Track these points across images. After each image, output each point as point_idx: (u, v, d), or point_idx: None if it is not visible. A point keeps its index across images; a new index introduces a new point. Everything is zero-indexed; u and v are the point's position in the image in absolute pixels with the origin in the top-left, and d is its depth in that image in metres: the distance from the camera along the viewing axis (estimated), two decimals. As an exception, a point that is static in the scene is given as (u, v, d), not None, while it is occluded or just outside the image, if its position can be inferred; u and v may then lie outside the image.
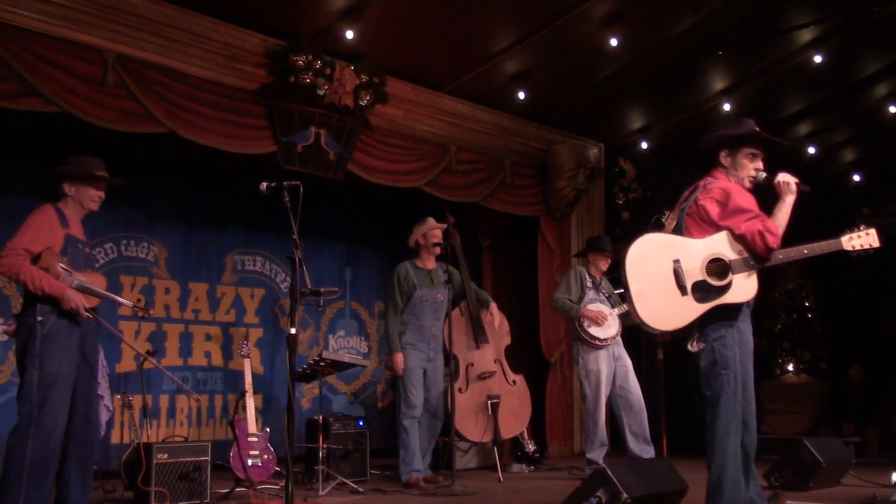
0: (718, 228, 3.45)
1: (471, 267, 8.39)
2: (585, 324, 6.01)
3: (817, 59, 6.59)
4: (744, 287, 3.41)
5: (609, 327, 6.04)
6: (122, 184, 4.21)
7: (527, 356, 8.21)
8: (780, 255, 3.43)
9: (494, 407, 6.10)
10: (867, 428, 8.32)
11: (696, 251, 3.42)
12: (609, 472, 3.74)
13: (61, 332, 3.86)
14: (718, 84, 7.25)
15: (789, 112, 7.71)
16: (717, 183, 3.53)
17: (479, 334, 6.20)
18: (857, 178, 8.99)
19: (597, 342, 6.00)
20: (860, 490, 4.97)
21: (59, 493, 3.90)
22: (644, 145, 8.24)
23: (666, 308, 3.39)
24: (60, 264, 3.86)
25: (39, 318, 3.80)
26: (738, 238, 3.41)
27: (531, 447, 6.78)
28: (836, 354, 9.31)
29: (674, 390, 6.70)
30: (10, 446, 3.73)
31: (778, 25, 6.37)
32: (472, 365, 6.13)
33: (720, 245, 3.43)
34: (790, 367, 9.40)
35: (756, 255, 3.40)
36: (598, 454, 5.97)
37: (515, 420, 6.34)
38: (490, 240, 8.47)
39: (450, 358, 5.55)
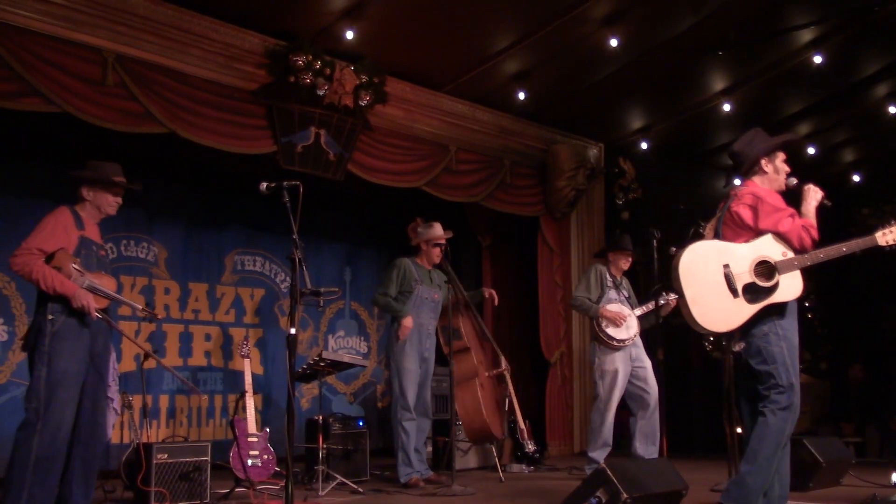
0: (754, 231, 3.67)
1: (471, 267, 8.45)
2: (604, 324, 5.94)
3: (817, 59, 6.59)
4: (790, 286, 3.62)
5: (628, 328, 5.96)
6: (139, 189, 4.26)
7: (527, 356, 8.22)
8: (822, 254, 3.63)
9: (510, 403, 6.13)
10: (867, 428, 8.31)
11: (744, 255, 3.64)
12: (609, 472, 3.74)
13: (71, 331, 3.88)
14: (718, 84, 7.24)
15: (789, 112, 7.70)
16: (746, 188, 3.78)
17: (482, 333, 6.24)
18: (856, 178, 8.98)
19: (614, 343, 5.92)
20: (860, 490, 4.97)
21: (62, 492, 3.89)
22: (644, 145, 8.23)
23: (720, 310, 3.61)
24: (73, 265, 3.89)
25: (50, 317, 3.83)
26: (782, 237, 3.62)
27: (531, 447, 6.76)
28: (836, 354, 9.30)
29: (674, 390, 6.68)
30: (17, 442, 3.75)
31: (778, 25, 6.38)
32: (481, 363, 6.15)
33: (765, 248, 3.65)
34: (790, 367, 9.39)
35: (800, 252, 3.61)
36: (600, 454, 5.92)
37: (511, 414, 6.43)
38: (490, 240, 8.48)
39: (449, 358, 5.56)
